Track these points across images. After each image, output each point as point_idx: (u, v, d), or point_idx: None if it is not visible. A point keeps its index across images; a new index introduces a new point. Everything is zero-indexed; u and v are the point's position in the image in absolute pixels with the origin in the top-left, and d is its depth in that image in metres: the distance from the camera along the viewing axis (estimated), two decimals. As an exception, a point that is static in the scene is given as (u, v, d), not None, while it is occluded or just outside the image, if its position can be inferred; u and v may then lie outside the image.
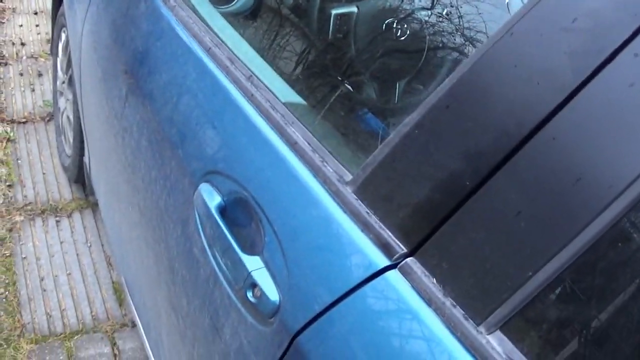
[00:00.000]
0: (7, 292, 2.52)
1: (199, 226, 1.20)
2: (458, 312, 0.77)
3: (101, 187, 2.24)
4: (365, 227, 0.90)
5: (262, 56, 1.33)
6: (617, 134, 0.66)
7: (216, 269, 1.14)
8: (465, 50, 1.08)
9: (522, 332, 0.73)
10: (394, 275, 0.85)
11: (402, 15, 1.28)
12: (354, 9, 1.40)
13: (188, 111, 1.32)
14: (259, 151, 1.11)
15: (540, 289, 0.71)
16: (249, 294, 1.03)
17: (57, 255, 2.72)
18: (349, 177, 0.96)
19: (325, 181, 0.98)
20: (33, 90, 3.68)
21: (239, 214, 1.13)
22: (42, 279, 2.61)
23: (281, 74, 1.27)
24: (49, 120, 3.44)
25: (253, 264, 1.03)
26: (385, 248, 0.87)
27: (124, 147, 1.70)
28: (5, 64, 3.85)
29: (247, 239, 1.09)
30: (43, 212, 2.91)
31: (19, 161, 3.16)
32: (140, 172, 1.56)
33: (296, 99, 1.21)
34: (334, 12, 1.38)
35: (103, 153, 2.04)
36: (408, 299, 0.82)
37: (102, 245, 2.79)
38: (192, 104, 1.32)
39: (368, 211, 0.90)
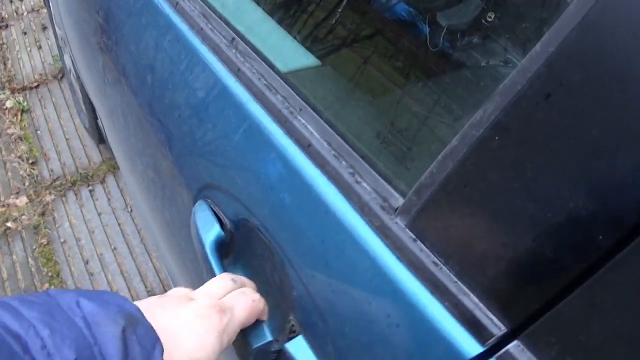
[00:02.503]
0: (52, 287, 2.29)
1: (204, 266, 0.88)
2: None
3: (119, 161, 1.93)
4: (436, 289, 0.56)
5: (250, 5, 0.96)
6: None
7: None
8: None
9: None
10: (493, 372, 0.52)
11: None
12: None
13: (167, 97, 0.98)
14: (261, 159, 0.77)
15: None
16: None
17: (97, 231, 2.47)
18: (398, 201, 0.61)
19: (362, 209, 0.63)
20: (40, 47, 3.35)
21: (251, 246, 0.80)
22: (86, 262, 2.37)
23: (280, 28, 0.91)
24: (62, 77, 3.12)
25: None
26: (472, 325, 0.53)
27: (117, 131, 1.38)
28: (6, 26, 3.50)
29: (270, 284, 0.77)
30: (74, 183, 2.65)
31: (38, 132, 2.88)
32: (138, 167, 1.24)
33: (304, 63, 0.85)
34: None
35: (108, 129, 1.72)
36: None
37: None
38: (169, 86, 0.97)
39: (436, 260, 0.56)
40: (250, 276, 0.78)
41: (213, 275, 0.79)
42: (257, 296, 0.70)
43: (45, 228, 2.48)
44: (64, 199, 2.59)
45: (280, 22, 0.92)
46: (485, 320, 0.52)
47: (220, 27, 0.90)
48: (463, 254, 0.54)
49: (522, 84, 0.47)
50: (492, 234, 0.51)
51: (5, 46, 3.38)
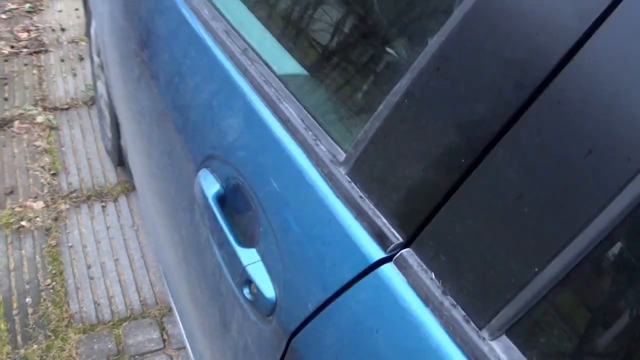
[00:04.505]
0: (54, 283, 2.49)
1: (201, 216, 1.10)
2: (458, 314, 0.66)
3: (135, 171, 2.17)
4: (359, 214, 0.78)
5: (261, 25, 1.21)
6: (637, 91, 0.52)
7: (220, 261, 1.05)
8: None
9: (530, 338, 0.61)
10: (389, 269, 0.74)
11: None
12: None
13: (188, 92, 1.22)
14: (252, 132, 1.00)
15: (550, 287, 0.58)
16: (246, 291, 0.93)
17: (103, 242, 2.69)
18: (342, 156, 0.84)
19: (317, 162, 0.86)
20: (75, 75, 3.64)
21: (238, 202, 1.03)
22: (89, 267, 2.57)
23: (281, 43, 1.16)
24: (91, 105, 3.40)
25: (248, 257, 0.93)
26: (380, 238, 0.76)
27: (141, 131, 1.62)
28: (46, 51, 3.82)
29: (246, 230, 0.99)
30: (88, 198, 2.88)
31: (63, 148, 3.13)
32: (155, 157, 1.48)
33: (294, 70, 1.09)
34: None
35: (130, 137, 1.97)
36: (404, 297, 0.71)
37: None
38: (191, 84, 1.21)
39: (362, 195, 0.79)
40: (237, 222, 1.00)
41: (215, 223, 1.01)
42: None
43: (56, 232, 2.70)
44: (77, 209, 2.82)
45: (279, 38, 1.17)
46: (389, 234, 0.74)
47: (237, 40, 1.14)
48: (380, 187, 0.76)
49: (423, 63, 0.70)
50: (398, 169, 0.73)
51: (42, 69, 3.68)
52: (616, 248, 0.55)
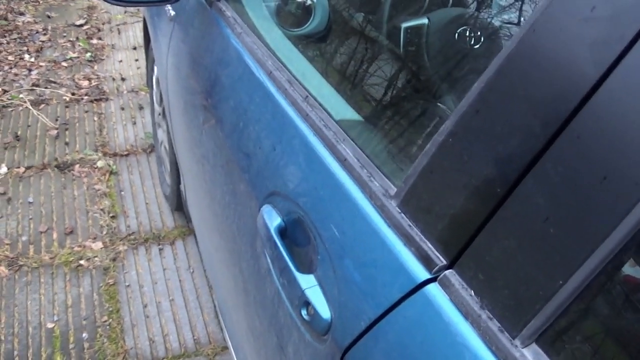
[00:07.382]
0: (110, 320, 2.62)
1: (263, 248, 1.21)
2: (494, 325, 0.75)
3: (194, 213, 2.31)
4: (408, 241, 0.89)
5: (320, 76, 1.34)
6: (642, 129, 0.63)
7: (279, 288, 1.15)
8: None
9: (558, 345, 0.70)
10: (433, 288, 0.84)
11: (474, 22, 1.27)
12: (425, 21, 1.39)
13: (252, 135, 1.35)
14: (312, 170, 1.12)
15: (573, 298, 0.68)
16: (304, 312, 1.03)
17: (159, 282, 2.82)
18: (393, 190, 0.95)
19: (371, 196, 0.97)
20: (134, 123, 3.83)
21: (298, 234, 1.13)
22: (145, 306, 2.70)
23: (338, 92, 1.28)
24: (150, 152, 3.57)
25: (306, 282, 1.03)
26: (426, 261, 0.86)
27: (204, 173, 1.75)
28: (107, 100, 4.04)
29: (305, 259, 1.10)
30: (146, 240, 3.02)
31: (122, 193, 3.30)
32: (217, 197, 1.60)
33: (351, 116, 1.21)
34: (403, 25, 1.38)
35: (191, 180, 2.11)
36: (447, 313, 0.80)
37: (204, 270, 2.86)
38: (255, 128, 1.34)
39: (410, 224, 0.89)
40: (297, 252, 1.11)
41: (277, 252, 1.12)
42: None
43: (113, 271, 2.84)
44: (135, 251, 2.96)
45: (337, 88, 1.29)
46: (434, 258, 0.84)
47: (299, 88, 1.27)
48: (426, 217, 0.87)
49: (465, 107, 0.81)
50: (443, 200, 0.84)
51: (103, 116, 3.89)
52: (629, 261, 0.65)
